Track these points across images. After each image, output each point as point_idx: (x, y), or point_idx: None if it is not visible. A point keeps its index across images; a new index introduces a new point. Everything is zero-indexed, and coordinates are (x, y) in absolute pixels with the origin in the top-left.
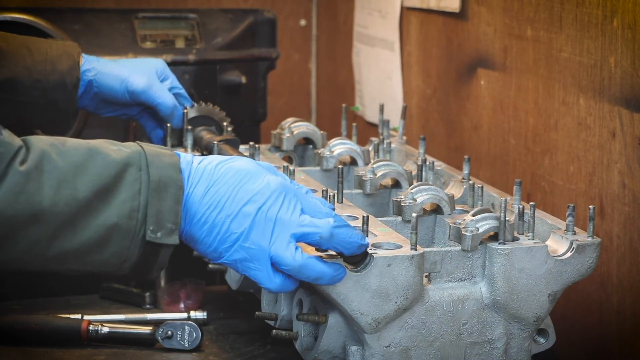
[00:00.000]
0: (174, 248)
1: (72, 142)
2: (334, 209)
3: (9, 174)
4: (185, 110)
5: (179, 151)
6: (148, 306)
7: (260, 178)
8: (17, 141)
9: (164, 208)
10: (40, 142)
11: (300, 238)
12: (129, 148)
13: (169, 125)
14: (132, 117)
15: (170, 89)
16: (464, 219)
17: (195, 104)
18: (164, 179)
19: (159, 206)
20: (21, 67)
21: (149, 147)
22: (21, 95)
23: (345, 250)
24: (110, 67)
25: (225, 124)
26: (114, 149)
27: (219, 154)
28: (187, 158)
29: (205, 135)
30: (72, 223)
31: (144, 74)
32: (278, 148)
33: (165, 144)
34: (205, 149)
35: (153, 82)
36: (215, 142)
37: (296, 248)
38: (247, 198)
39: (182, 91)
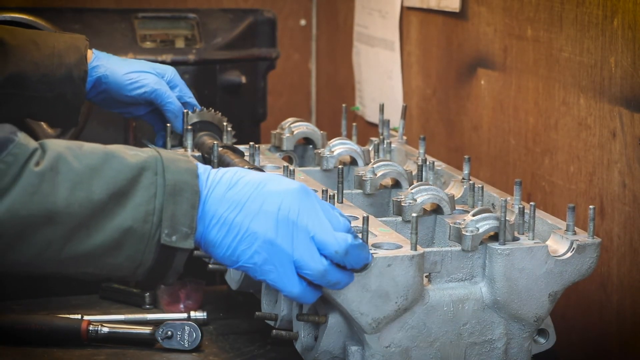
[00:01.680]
0: (189, 253)
1: (88, 145)
2: (350, 223)
3: (23, 174)
4: (186, 111)
5: (179, 152)
6: (148, 306)
7: (281, 181)
8: (32, 143)
9: (179, 212)
10: (57, 145)
11: (318, 246)
12: (146, 153)
13: (169, 125)
14: (138, 116)
15: (178, 97)
16: (464, 219)
17: (200, 109)
18: (180, 183)
19: (175, 210)
20: (28, 62)
21: (165, 153)
22: (29, 90)
23: (350, 266)
24: (120, 65)
25: (225, 123)
26: (131, 154)
27: (221, 159)
28: (206, 166)
29: (207, 140)
30: (87, 225)
31: (153, 75)
32: (278, 148)
33: (165, 145)
34: (207, 153)
35: (161, 82)
36: (216, 144)
37: (320, 252)
38: (268, 198)
39: (192, 100)
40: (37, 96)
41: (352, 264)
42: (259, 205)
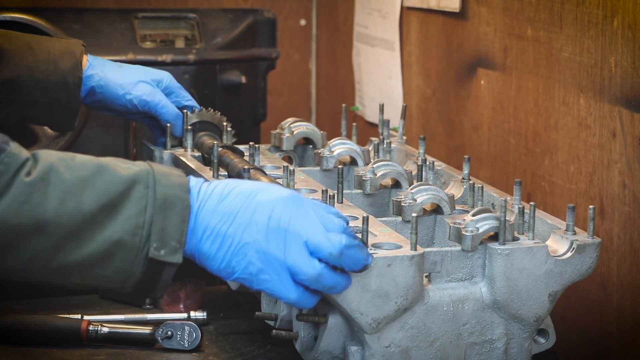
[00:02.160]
0: (177, 267)
1: (81, 157)
2: (347, 222)
3: (14, 184)
4: (185, 111)
5: (179, 151)
6: (148, 306)
7: (272, 191)
8: (24, 153)
9: (169, 226)
10: (49, 156)
11: (311, 250)
12: (138, 166)
13: (168, 125)
14: (135, 120)
15: (176, 102)
16: (464, 219)
17: (200, 109)
18: (171, 197)
19: (164, 224)
20: (23, 67)
21: (158, 167)
22: (24, 95)
23: (347, 267)
24: (114, 74)
25: (225, 123)
26: (123, 167)
27: (221, 159)
28: (198, 179)
29: (207, 140)
30: (76, 236)
31: (147, 84)
32: (278, 148)
33: (165, 145)
34: (207, 153)
35: (156, 92)
36: (216, 144)
37: (312, 257)
38: (258, 208)
39: (191, 102)
40: (32, 101)
41: (349, 265)
42: (250, 215)
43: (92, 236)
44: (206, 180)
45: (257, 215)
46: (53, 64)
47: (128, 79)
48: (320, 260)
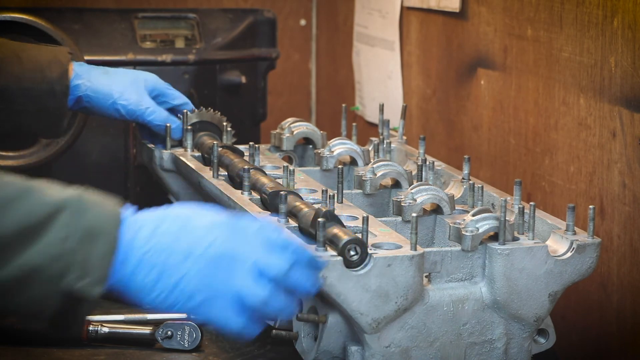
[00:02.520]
0: (97, 303)
1: (10, 177)
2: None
3: None
4: (185, 111)
5: (179, 151)
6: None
7: (208, 216)
8: None
9: (92, 257)
10: None
11: (258, 272)
12: (69, 192)
13: (168, 125)
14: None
15: (165, 104)
16: (464, 219)
17: (198, 109)
18: (98, 228)
19: (86, 255)
20: (11, 76)
21: (92, 195)
22: (12, 103)
23: (299, 286)
24: (100, 83)
25: (225, 123)
26: (50, 192)
27: (220, 159)
28: (132, 208)
29: (207, 140)
30: None
31: (133, 92)
32: (278, 148)
33: (165, 145)
34: (207, 153)
35: (143, 100)
36: (216, 144)
37: (261, 279)
38: (197, 236)
39: (180, 100)
40: (21, 109)
41: (300, 282)
42: (187, 244)
43: (7, 261)
44: (139, 209)
45: (195, 243)
46: (40, 73)
47: (114, 87)
48: (270, 281)
